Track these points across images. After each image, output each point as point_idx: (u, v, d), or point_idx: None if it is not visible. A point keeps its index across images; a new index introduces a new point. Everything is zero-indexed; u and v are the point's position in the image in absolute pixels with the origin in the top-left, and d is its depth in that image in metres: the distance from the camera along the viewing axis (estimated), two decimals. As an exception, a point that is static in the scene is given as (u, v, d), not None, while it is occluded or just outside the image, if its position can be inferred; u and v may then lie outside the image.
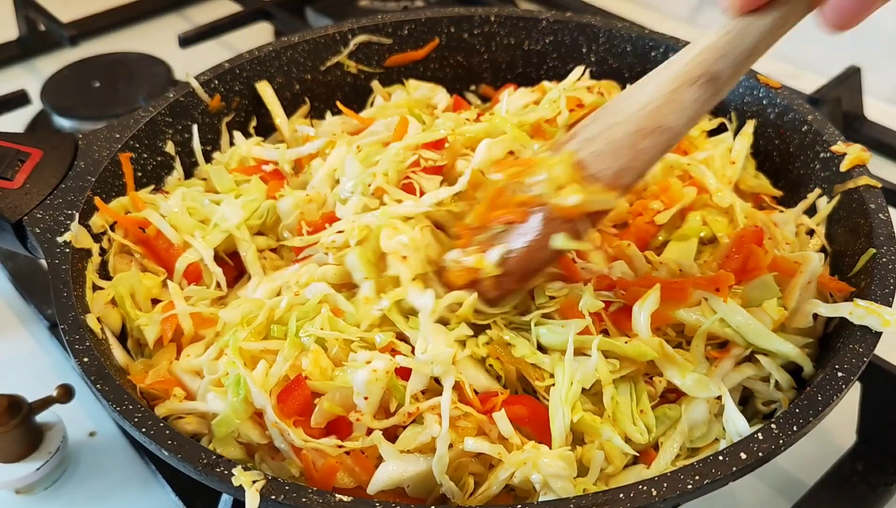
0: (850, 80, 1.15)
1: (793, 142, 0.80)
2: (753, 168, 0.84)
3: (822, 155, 0.76)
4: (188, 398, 0.65)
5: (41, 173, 0.74)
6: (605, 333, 0.64)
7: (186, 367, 0.66)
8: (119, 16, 1.45)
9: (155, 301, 0.73)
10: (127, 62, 1.31)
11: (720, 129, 0.87)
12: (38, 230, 0.70)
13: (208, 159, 0.87)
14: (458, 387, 0.61)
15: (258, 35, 1.40)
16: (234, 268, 0.77)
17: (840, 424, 0.76)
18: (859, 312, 0.61)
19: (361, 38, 0.94)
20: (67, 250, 0.69)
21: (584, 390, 0.61)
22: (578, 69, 0.90)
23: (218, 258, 0.75)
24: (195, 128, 0.86)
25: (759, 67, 1.01)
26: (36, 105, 1.24)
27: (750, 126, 0.84)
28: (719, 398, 0.63)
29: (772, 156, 0.83)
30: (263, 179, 0.81)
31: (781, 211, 0.79)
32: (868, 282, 0.64)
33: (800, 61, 1.31)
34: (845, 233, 0.71)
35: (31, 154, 0.76)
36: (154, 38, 1.39)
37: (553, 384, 0.61)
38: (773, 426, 0.55)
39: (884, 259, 0.65)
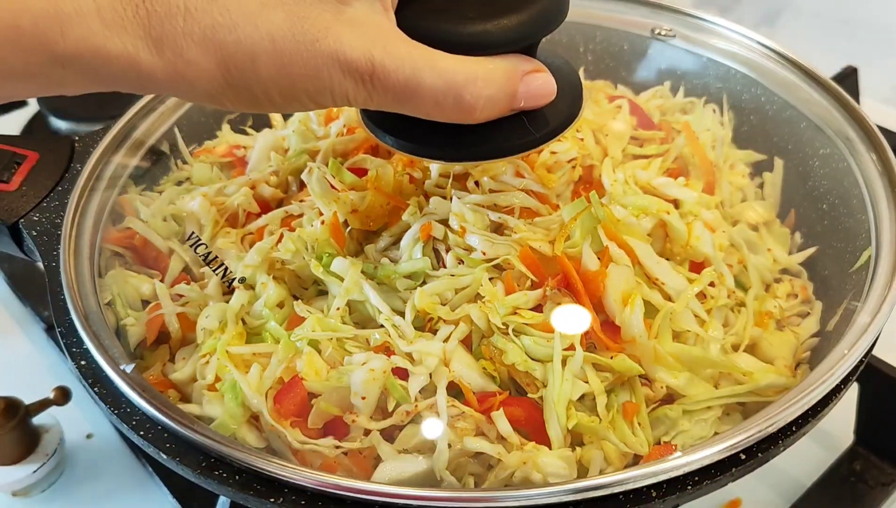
0: (847, 80, 1.15)
1: (792, 139, 0.81)
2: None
3: (821, 151, 0.77)
4: (183, 401, 0.65)
5: (37, 176, 0.74)
6: (593, 346, 0.63)
7: (179, 377, 0.66)
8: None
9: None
10: None
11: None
12: (35, 233, 0.70)
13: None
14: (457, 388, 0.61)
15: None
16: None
17: (837, 424, 0.76)
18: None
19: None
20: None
21: (580, 398, 0.61)
22: None
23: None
24: (176, 129, 0.86)
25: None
26: (32, 107, 1.24)
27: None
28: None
29: (771, 153, 0.83)
30: (232, 164, 0.82)
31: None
32: (867, 279, 0.64)
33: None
34: (846, 230, 0.72)
35: (28, 157, 0.75)
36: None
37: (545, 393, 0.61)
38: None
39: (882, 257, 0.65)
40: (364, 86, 0.50)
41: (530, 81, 0.55)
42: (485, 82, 0.52)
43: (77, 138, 0.78)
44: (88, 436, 0.82)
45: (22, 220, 0.71)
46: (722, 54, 0.88)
